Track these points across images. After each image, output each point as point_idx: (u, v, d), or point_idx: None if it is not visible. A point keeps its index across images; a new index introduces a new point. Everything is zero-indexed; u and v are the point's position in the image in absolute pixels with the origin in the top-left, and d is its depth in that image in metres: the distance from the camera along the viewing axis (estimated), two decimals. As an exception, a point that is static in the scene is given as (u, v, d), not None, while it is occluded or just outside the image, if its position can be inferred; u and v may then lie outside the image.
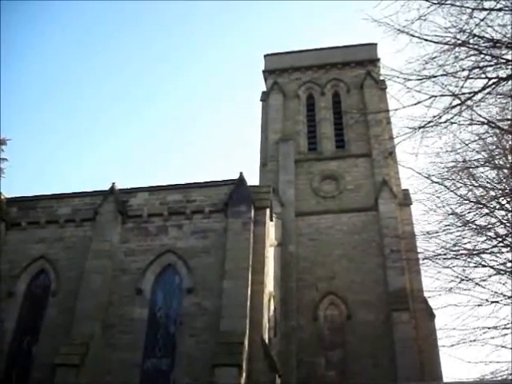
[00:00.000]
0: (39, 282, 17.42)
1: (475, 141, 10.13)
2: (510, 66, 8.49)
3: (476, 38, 8.56)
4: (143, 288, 16.15)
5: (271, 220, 17.96)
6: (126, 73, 72.77)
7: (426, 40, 8.94)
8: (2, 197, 18.78)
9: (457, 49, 8.72)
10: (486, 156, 10.18)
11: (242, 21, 74.27)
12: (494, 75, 8.65)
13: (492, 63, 8.55)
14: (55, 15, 66.29)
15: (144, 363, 15.19)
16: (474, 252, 10.47)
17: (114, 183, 18.07)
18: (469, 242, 10.70)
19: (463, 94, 8.87)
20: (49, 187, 75.36)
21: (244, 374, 13.74)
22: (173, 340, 15.47)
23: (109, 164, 67.80)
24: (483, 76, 8.70)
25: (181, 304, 15.85)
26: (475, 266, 10.59)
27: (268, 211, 17.22)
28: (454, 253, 10.61)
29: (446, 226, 10.84)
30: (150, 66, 71.91)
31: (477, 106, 9.13)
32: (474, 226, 10.51)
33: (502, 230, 10.34)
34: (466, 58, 8.72)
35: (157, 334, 15.71)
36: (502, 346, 10.49)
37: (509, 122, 9.54)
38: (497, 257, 10.36)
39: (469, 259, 10.54)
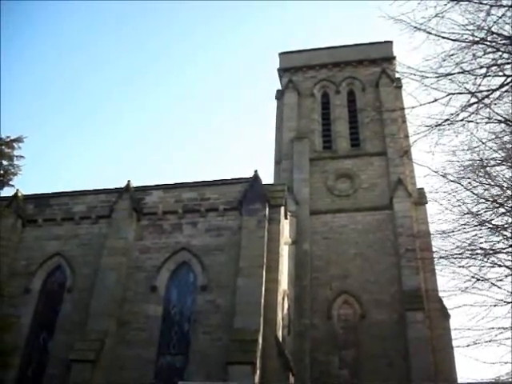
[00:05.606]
0: (55, 278, 17.63)
1: (492, 139, 10.00)
2: (528, 64, 8.41)
3: (494, 35, 8.48)
4: (158, 285, 16.25)
5: (286, 218, 17.93)
6: (133, 72, 73.14)
7: (443, 37, 8.88)
8: (19, 194, 18.98)
9: (474, 46, 8.64)
10: (503, 155, 10.05)
11: (255, 19, 74.29)
12: (512, 73, 8.56)
13: (510, 61, 8.47)
14: (52, 16, 66.81)
15: (158, 360, 15.31)
16: (490, 252, 10.33)
17: (129, 181, 18.21)
18: (485, 242, 10.55)
19: (480, 91, 8.79)
20: (61, 184, 76.06)
21: (258, 372, 13.76)
22: (187, 337, 15.55)
23: (122, 161, 68.22)
24: (501, 74, 8.62)
25: (195, 301, 15.93)
26: (491, 266, 10.45)
27: (283, 209, 17.22)
28: (470, 252, 10.48)
29: (461, 225, 10.70)
30: (148, 65, 72.14)
31: (494, 104, 9.04)
32: (491, 226, 10.37)
33: (518, 230, 10.21)
34: (484, 55, 8.65)
35: (171, 331, 15.79)
36: (518, 347, 10.36)
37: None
38: (513, 257, 10.23)
39: (485, 259, 10.41)
